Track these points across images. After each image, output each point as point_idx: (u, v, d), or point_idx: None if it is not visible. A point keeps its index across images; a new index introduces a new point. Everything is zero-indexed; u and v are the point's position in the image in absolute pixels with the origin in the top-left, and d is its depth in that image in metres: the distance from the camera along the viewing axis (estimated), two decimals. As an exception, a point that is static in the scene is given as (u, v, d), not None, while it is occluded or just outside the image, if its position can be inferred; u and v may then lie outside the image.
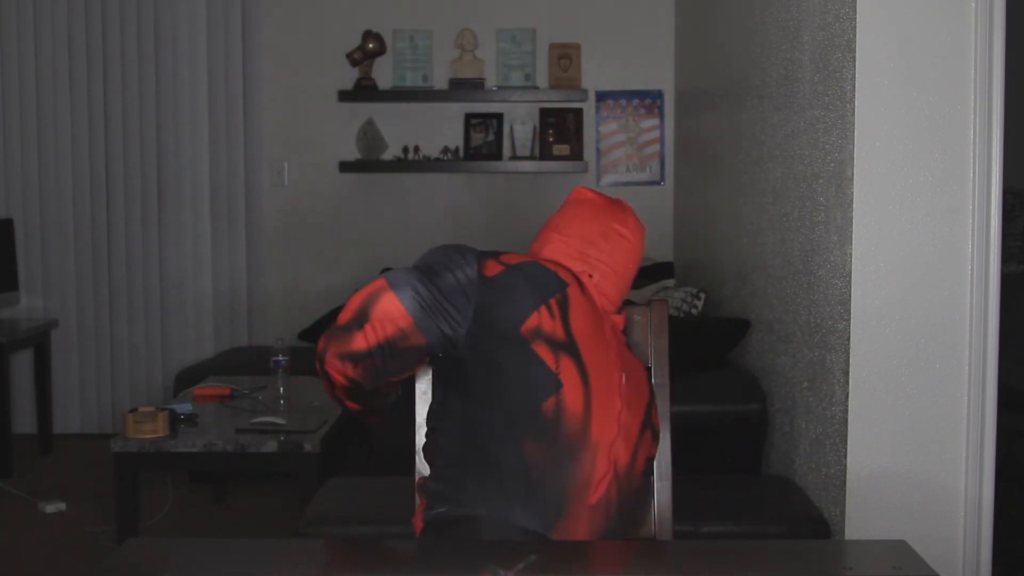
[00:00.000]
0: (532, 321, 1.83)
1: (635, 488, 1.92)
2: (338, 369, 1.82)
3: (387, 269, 2.02)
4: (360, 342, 1.79)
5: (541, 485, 1.79)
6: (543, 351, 1.82)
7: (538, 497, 1.80)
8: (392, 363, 1.82)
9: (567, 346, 1.85)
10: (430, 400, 2.00)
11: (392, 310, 1.79)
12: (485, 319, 1.82)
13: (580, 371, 1.84)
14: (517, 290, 1.86)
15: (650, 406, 1.99)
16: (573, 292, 1.91)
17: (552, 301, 1.87)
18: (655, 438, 2.00)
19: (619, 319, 2.05)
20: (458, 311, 1.82)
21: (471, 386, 1.83)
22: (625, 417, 1.89)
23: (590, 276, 2.00)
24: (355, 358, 1.80)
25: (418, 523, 1.88)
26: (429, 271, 1.86)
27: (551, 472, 1.80)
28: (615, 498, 1.87)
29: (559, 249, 2.01)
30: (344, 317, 1.82)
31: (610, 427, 1.86)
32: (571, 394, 1.82)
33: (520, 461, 1.79)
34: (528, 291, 1.86)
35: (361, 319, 1.80)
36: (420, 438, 2.06)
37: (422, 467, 2.04)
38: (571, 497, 1.82)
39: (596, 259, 2.01)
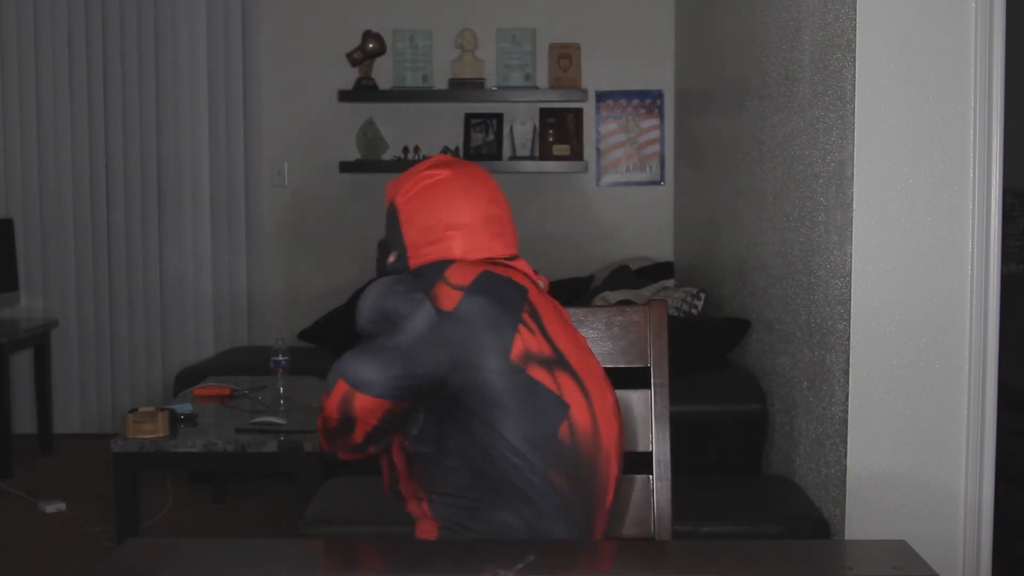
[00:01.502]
0: (518, 345, 1.74)
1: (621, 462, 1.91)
2: (353, 456, 1.88)
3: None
4: (359, 436, 1.80)
5: (571, 507, 1.78)
6: (540, 374, 1.75)
7: (572, 517, 1.79)
8: (395, 425, 1.83)
9: (558, 361, 1.78)
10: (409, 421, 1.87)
11: (368, 405, 1.76)
12: (467, 355, 1.72)
13: (577, 382, 1.80)
14: (488, 315, 1.73)
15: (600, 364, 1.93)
16: (533, 295, 1.82)
17: (525, 315, 1.77)
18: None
19: (543, 283, 1.93)
20: (430, 361, 1.73)
21: (473, 422, 1.74)
22: (615, 405, 1.88)
23: (514, 257, 1.88)
24: (362, 447, 1.83)
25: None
26: (382, 339, 1.75)
27: (578, 493, 1.79)
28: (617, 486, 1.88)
29: (473, 246, 1.84)
30: (332, 423, 1.81)
31: (612, 426, 1.85)
32: (578, 412, 1.79)
33: (549, 489, 1.75)
34: (499, 313, 1.74)
35: (348, 422, 1.79)
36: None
37: (407, 485, 1.94)
38: (597, 507, 1.83)
39: (506, 234, 1.88)
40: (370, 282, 1.94)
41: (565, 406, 1.76)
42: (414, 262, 1.86)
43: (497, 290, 1.76)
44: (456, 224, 1.84)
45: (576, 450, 1.77)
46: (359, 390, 1.75)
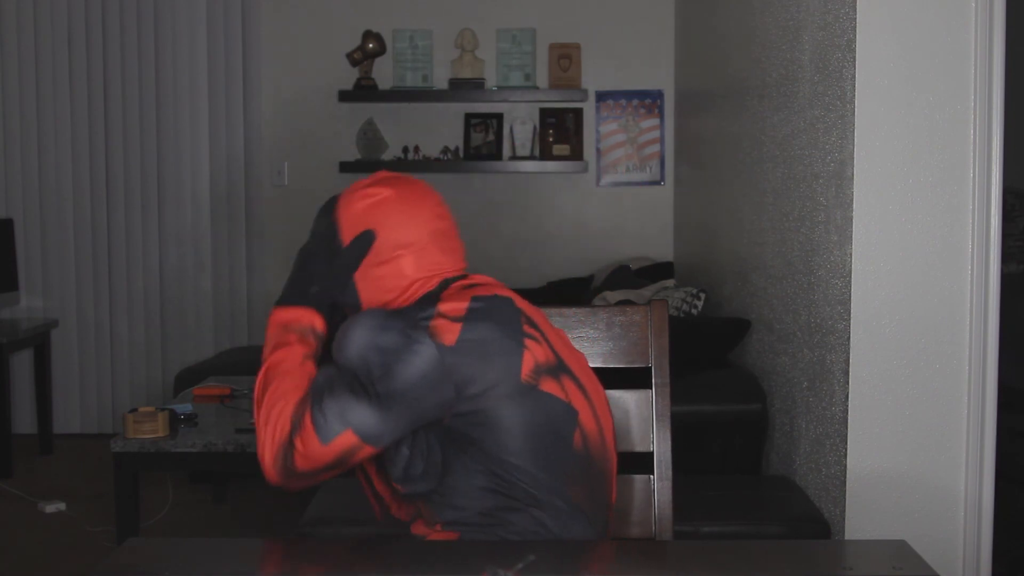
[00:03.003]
0: (528, 363, 1.68)
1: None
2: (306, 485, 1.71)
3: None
4: (337, 472, 1.68)
5: (589, 514, 1.77)
6: (550, 386, 1.70)
7: (593, 521, 1.78)
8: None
9: (561, 365, 1.74)
10: (400, 456, 1.74)
11: (372, 454, 1.67)
12: (474, 389, 1.65)
13: (577, 384, 1.76)
14: (492, 341, 1.66)
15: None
16: (520, 303, 1.76)
17: (526, 328, 1.71)
18: None
19: None
20: (436, 399, 1.64)
21: (483, 445, 1.67)
22: (606, 397, 1.86)
23: (465, 275, 1.81)
24: (328, 478, 1.70)
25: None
26: (384, 382, 1.62)
27: (594, 499, 1.78)
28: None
29: (424, 263, 1.78)
30: (318, 464, 1.64)
31: (609, 420, 1.84)
32: (585, 416, 1.75)
33: (571, 506, 1.73)
34: (502, 335, 1.67)
35: (340, 465, 1.66)
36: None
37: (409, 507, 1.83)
38: (608, 506, 1.83)
39: (455, 248, 1.82)
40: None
41: (575, 413, 1.73)
42: (364, 285, 1.79)
43: (494, 312, 1.69)
44: (404, 242, 1.77)
45: (589, 457, 1.76)
46: (369, 443, 1.64)
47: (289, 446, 1.65)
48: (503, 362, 1.66)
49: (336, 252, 1.80)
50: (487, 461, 1.68)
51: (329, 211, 1.83)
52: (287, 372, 1.71)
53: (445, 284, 1.78)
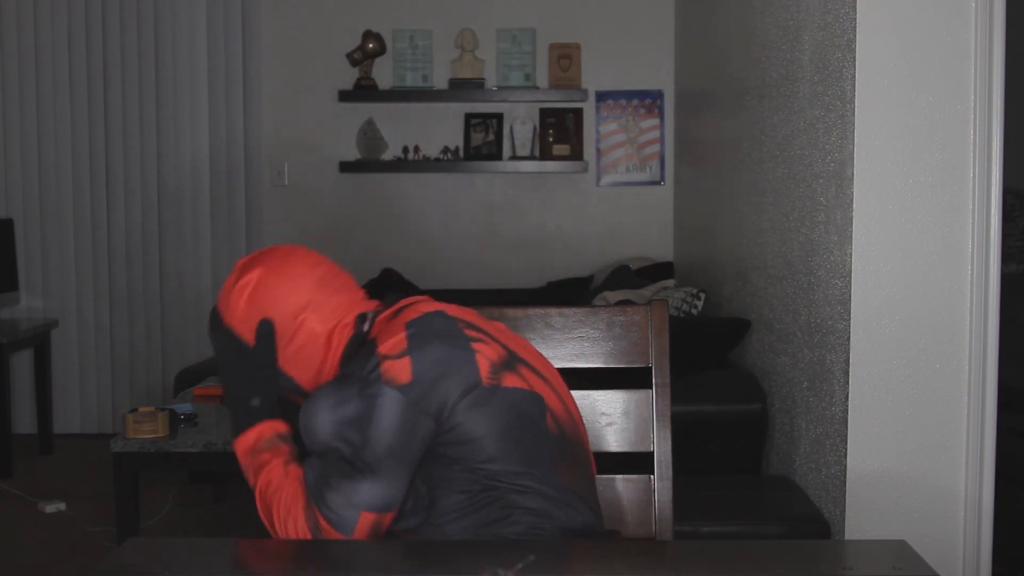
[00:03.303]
0: (483, 366, 1.67)
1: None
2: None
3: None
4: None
5: (579, 491, 1.77)
6: (511, 379, 1.69)
7: (585, 497, 1.78)
8: None
9: (513, 356, 1.74)
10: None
11: (392, 517, 1.69)
12: (444, 413, 1.65)
13: (532, 369, 1.76)
14: (444, 359, 1.65)
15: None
16: (451, 310, 1.75)
17: (467, 332, 1.70)
18: None
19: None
20: (420, 439, 1.64)
21: (464, 462, 1.67)
22: (556, 370, 1.86)
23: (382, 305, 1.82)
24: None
25: None
26: (368, 449, 1.62)
27: (582, 475, 1.78)
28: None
29: (326, 312, 1.76)
30: (352, 533, 1.66)
31: (568, 392, 1.84)
32: (550, 398, 1.75)
33: (563, 490, 1.73)
34: (451, 349, 1.66)
35: (376, 534, 1.69)
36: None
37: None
38: (593, 478, 1.83)
39: (346, 284, 1.81)
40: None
41: (540, 398, 1.73)
42: (292, 367, 1.79)
43: (433, 330, 1.68)
44: (299, 307, 1.76)
45: (564, 436, 1.76)
46: (387, 511, 1.66)
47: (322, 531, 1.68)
48: (462, 374, 1.65)
49: (249, 357, 1.78)
50: (471, 476, 1.68)
51: (219, 326, 1.82)
52: (279, 488, 1.72)
53: (362, 319, 1.78)
